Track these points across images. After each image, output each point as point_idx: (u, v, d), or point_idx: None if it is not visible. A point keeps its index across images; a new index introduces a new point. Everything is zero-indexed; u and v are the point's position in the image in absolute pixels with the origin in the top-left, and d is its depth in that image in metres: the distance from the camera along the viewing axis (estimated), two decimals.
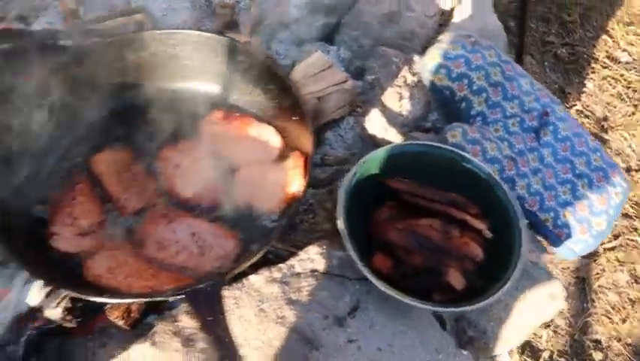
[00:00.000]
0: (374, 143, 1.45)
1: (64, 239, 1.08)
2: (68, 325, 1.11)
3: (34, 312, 1.27)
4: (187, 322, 1.06)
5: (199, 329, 0.87)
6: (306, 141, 1.11)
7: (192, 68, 1.32)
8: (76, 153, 1.23)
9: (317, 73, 1.50)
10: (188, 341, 1.03)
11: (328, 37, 1.76)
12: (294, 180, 1.13)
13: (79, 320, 1.13)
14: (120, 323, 1.13)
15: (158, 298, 1.05)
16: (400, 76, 1.46)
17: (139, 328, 1.17)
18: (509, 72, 1.40)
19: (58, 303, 1.10)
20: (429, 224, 1.14)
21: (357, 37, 1.69)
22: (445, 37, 1.41)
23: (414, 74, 1.47)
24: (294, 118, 1.19)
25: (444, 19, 1.78)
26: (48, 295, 1.12)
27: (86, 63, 1.22)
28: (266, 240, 1.03)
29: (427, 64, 1.34)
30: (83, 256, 1.07)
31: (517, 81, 1.41)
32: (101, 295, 0.92)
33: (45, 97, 1.17)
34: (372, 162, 1.20)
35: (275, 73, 1.21)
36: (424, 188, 1.17)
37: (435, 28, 1.76)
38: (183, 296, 0.94)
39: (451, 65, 1.34)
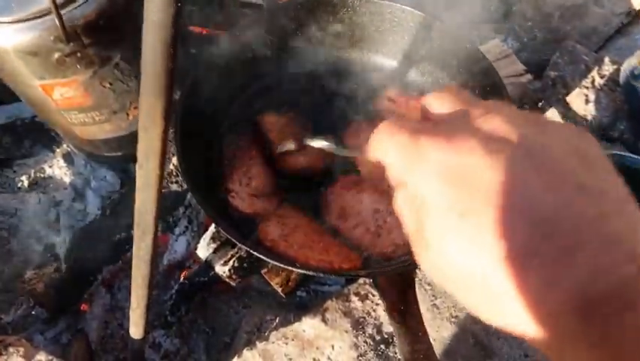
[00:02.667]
0: None
1: (241, 198, 1.06)
2: (232, 283, 1.11)
3: (185, 263, 1.30)
4: (358, 304, 1.02)
5: (390, 317, 0.82)
6: None
7: (376, 39, 1.25)
8: (250, 112, 1.21)
9: (493, 62, 1.40)
10: (357, 324, 0.99)
11: (495, 24, 1.64)
12: None
13: (240, 280, 1.13)
14: (279, 289, 1.12)
15: (351, 275, 1.02)
16: (588, 76, 1.33)
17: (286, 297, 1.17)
18: None
19: (226, 261, 1.09)
20: None
21: (530, 28, 1.56)
22: None
23: (602, 76, 1.34)
24: None
25: (628, 19, 1.61)
26: (215, 251, 1.12)
27: (276, 21, 1.19)
28: None
29: (636, 67, 1.20)
30: (257, 219, 1.05)
31: None
32: (293, 265, 0.88)
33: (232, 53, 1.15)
34: None
35: (475, 57, 1.12)
36: None
37: (617, 28, 1.59)
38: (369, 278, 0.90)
39: None
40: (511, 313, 0.35)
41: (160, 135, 0.57)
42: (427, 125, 0.40)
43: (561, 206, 0.33)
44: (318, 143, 0.85)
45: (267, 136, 1.14)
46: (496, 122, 0.37)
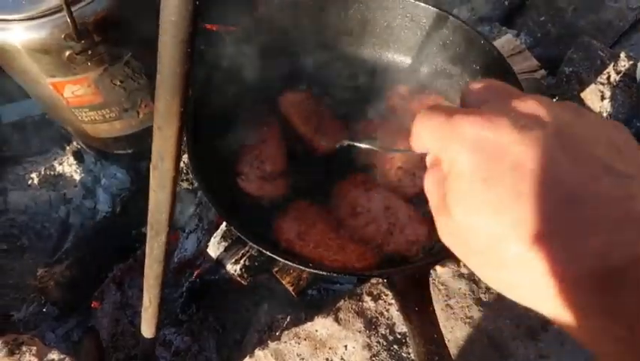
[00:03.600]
0: None
1: (250, 181, 1.04)
2: (243, 281, 1.11)
3: (195, 261, 1.30)
4: (371, 303, 1.01)
5: (404, 319, 0.81)
6: None
7: (386, 35, 1.23)
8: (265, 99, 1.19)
9: (506, 57, 1.37)
10: (370, 324, 0.99)
11: (508, 19, 1.62)
12: None
13: (251, 278, 1.12)
14: (290, 288, 1.11)
15: (364, 276, 1.01)
16: (604, 72, 1.30)
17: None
18: None
19: (237, 260, 1.09)
20: None
21: (544, 23, 1.54)
22: None
23: (618, 72, 1.31)
24: None
25: None
26: (226, 249, 1.12)
27: (285, 15, 1.18)
28: None
29: None
30: (271, 216, 1.03)
31: None
32: (305, 264, 0.87)
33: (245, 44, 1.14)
34: None
35: (489, 53, 1.10)
36: None
37: (632, 22, 1.57)
38: (385, 278, 0.89)
39: None
40: (524, 281, 0.35)
41: (175, 136, 0.56)
42: (463, 108, 0.41)
43: (587, 182, 0.34)
44: (362, 144, 0.75)
45: (289, 120, 1.13)
46: (531, 103, 0.38)
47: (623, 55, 1.33)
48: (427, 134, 0.42)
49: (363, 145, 0.74)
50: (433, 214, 0.43)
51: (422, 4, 1.17)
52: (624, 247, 0.32)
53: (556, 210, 0.33)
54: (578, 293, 0.33)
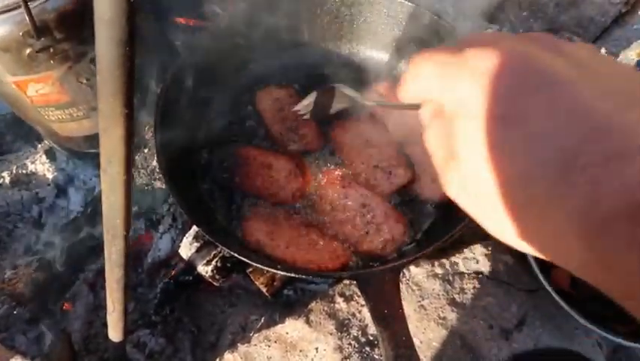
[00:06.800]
0: None
1: None
2: (215, 283, 1.09)
3: (170, 261, 1.28)
4: (343, 305, 1.00)
5: (373, 321, 0.79)
6: None
7: (365, 31, 1.22)
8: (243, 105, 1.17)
9: None
10: (342, 326, 0.97)
11: (490, 14, 1.60)
12: None
13: (224, 279, 1.11)
14: (263, 289, 1.10)
15: (334, 277, 0.99)
16: None
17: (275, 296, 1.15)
18: None
19: (209, 261, 1.07)
20: None
21: (526, 18, 1.52)
22: None
23: None
24: None
25: (626, 8, 1.57)
26: (198, 250, 1.09)
27: (259, 11, 1.15)
28: (447, 229, 0.91)
29: (633, 59, 1.17)
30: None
31: None
32: (275, 266, 0.85)
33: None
34: None
35: None
36: None
37: (614, 18, 1.55)
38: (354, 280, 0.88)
39: None
40: (549, 224, 0.32)
41: (122, 137, 0.54)
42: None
43: (613, 114, 0.31)
44: (348, 91, 0.81)
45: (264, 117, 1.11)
46: (545, 35, 0.37)
47: (603, 50, 1.32)
48: (430, 72, 0.39)
49: (347, 93, 0.79)
50: (440, 170, 0.40)
51: (399, 0, 1.15)
52: None
53: (584, 143, 0.31)
54: (614, 229, 0.30)
